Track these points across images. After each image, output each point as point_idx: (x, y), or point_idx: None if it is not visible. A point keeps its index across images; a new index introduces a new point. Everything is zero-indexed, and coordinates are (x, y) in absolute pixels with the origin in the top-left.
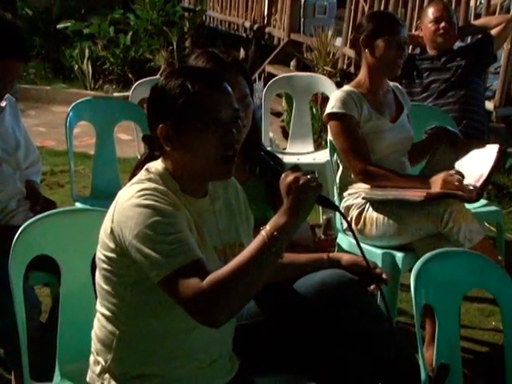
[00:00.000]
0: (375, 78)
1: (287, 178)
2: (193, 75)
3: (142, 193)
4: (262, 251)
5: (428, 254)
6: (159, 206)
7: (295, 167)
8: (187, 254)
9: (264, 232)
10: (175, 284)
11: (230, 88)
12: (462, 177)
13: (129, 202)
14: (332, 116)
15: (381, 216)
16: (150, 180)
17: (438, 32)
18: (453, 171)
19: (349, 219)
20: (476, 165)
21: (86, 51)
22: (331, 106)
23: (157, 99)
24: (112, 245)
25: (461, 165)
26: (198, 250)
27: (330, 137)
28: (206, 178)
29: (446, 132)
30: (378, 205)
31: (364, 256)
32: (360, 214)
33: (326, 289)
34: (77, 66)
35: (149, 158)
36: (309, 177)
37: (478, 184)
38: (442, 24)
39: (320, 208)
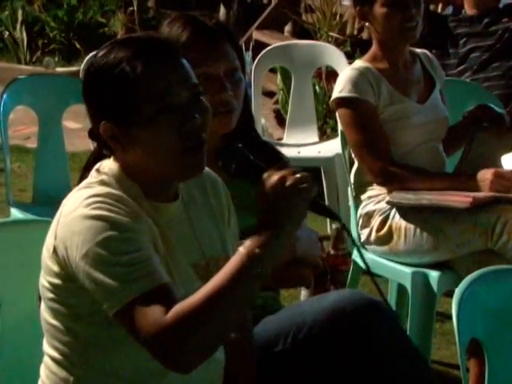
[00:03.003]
0: (389, 51)
1: (271, 178)
2: (131, 51)
3: (91, 200)
4: (241, 274)
5: (475, 274)
6: (113, 216)
7: (282, 164)
8: (149, 277)
9: (242, 249)
10: (133, 317)
11: (182, 59)
12: None
13: (75, 213)
14: (341, 102)
15: (411, 226)
16: (101, 183)
17: None
18: (506, 168)
19: (369, 230)
20: None
21: (19, 13)
22: (340, 89)
23: (92, 87)
24: (56, 268)
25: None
26: (164, 273)
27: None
28: (169, 179)
29: (486, 112)
30: (407, 211)
31: (376, 284)
32: (384, 221)
33: (339, 314)
34: (7, 33)
35: (98, 157)
36: (298, 176)
37: None
38: None
39: None
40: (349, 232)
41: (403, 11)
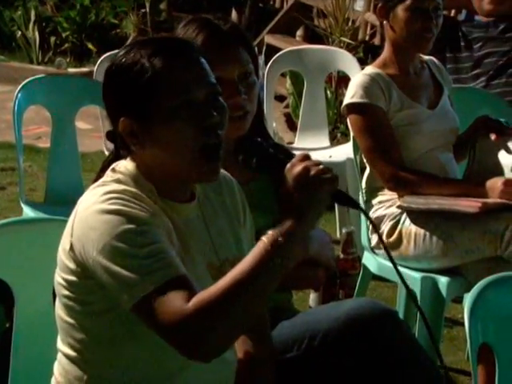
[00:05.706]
0: (401, 55)
1: (294, 168)
2: (151, 48)
3: (107, 196)
4: (263, 262)
5: (487, 280)
6: (129, 211)
7: (304, 156)
8: (167, 269)
9: (265, 238)
10: (153, 308)
11: (201, 58)
12: None
13: (91, 209)
14: (352, 107)
15: (421, 231)
16: (117, 181)
17: None
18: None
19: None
20: None
21: (32, 13)
22: (351, 95)
23: (112, 84)
24: (72, 265)
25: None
26: (181, 265)
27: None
28: (184, 179)
29: (486, 122)
30: (417, 216)
31: (404, 281)
32: (394, 227)
33: (354, 323)
34: (20, 33)
35: (115, 158)
36: (321, 167)
37: None
38: None
39: (337, 220)
40: (371, 220)
41: (424, 20)
